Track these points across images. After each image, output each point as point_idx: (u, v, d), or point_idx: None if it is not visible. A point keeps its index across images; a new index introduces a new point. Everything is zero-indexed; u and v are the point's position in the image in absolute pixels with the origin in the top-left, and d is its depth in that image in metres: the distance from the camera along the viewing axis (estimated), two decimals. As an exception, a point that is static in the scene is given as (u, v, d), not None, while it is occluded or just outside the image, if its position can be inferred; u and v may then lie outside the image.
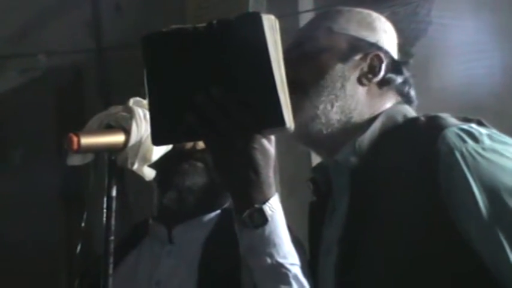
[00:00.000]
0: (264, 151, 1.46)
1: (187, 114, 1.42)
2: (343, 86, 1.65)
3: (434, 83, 3.12)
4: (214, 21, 1.42)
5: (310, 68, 1.66)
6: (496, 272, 1.42)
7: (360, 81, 1.67)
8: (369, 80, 1.67)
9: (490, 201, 1.43)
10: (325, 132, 1.65)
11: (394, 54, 1.74)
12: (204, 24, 1.43)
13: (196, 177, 1.95)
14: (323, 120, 1.64)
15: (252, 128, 1.43)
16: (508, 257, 1.41)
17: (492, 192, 1.43)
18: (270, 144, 1.47)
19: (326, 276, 1.63)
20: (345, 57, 1.67)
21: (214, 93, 1.42)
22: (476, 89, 2.99)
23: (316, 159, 3.49)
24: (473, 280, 1.46)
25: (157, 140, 1.47)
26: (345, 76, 1.66)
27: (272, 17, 1.44)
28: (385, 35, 1.74)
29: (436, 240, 1.46)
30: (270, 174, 1.48)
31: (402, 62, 1.74)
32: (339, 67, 1.66)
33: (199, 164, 1.95)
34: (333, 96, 1.64)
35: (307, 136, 1.67)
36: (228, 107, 1.41)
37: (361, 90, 1.67)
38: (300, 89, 1.62)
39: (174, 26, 1.47)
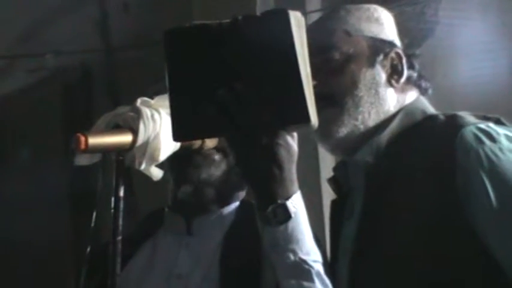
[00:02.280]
0: (288, 147, 1.45)
1: (210, 109, 1.41)
2: (377, 92, 1.65)
3: (442, 83, 3.11)
4: (240, 17, 1.42)
5: (341, 80, 1.65)
6: (509, 271, 1.42)
7: (389, 82, 1.67)
8: (397, 81, 1.68)
9: (505, 202, 1.43)
10: (358, 138, 1.65)
11: (399, 44, 1.74)
12: (228, 20, 1.43)
13: (212, 169, 1.93)
14: (362, 130, 1.64)
15: (276, 124, 1.42)
16: None
17: (507, 193, 1.43)
18: (293, 141, 1.46)
19: (342, 276, 1.63)
20: (370, 62, 1.67)
21: (238, 89, 1.41)
22: (483, 89, 2.99)
23: (323, 162, 3.50)
24: (487, 280, 1.46)
25: (178, 136, 1.46)
26: (376, 81, 1.65)
27: (299, 14, 1.43)
28: (392, 28, 1.74)
29: (450, 241, 1.46)
30: (293, 171, 1.47)
31: (412, 55, 1.73)
32: (369, 73, 1.66)
33: (215, 155, 1.93)
34: (369, 105, 1.64)
35: (346, 148, 1.67)
36: (252, 102, 1.40)
37: (391, 91, 1.67)
38: (335, 103, 1.62)
39: (197, 22, 1.46)
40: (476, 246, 1.44)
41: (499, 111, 1.59)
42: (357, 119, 1.64)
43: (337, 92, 1.64)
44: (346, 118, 1.63)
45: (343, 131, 1.63)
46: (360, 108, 1.64)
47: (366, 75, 1.65)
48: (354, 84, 1.65)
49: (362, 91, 1.64)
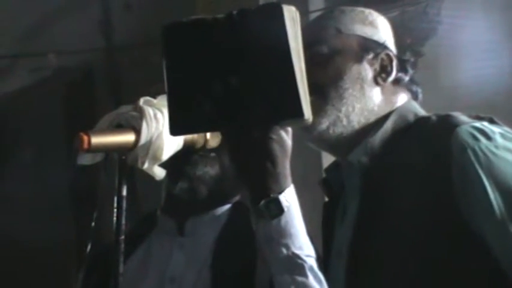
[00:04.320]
0: (282, 142, 1.44)
1: (206, 104, 1.41)
2: (362, 88, 1.67)
3: (444, 82, 3.12)
4: (234, 12, 1.42)
5: (327, 71, 1.66)
6: (510, 270, 1.43)
7: (375, 81, 1.69)
8: (384, 80, 1.69)
9: (504, 199, 1.44)
10: (345, 135, 1.65)
11: (394, 51, 1.76)
12: (223, 15, 1.43)
13: (207, 167, 1.93)
14: (344, 123, 1.65)
15: (270, 118, 1.42)
16: None
17: (505, 190, 1.44)
18: (287, 136, 1.46)
19: (338, 279, 1.63)
20: (358, 58, 1.68)
21: (233, 83, 1.40)
22: (486, 88, 2.99)
23: (326, 161, 3.50)
24: (486, 280, 1.46)
25: (174, 130, 1.46)
26: (362, 77, 1.67)
27: (293, 8, 1.43)
28: (387, 33, 1.76)
29: (448, 241, 1.46)
30: (287, 166, 1.46)
31: (407, 60, 1.75)
32: (355, 68, 1.67)
33: (210, 154, 1.93)
34: (353, 98, 1.65)
35: (328, 140, 1.67)
36: (246, 97, 1.40)
37: (377, 90, 1.69)
38: (319, 93, 1.63)
39: (193, 17, 1.46)
40: (474, 246, 1.45)
41: (501, 110, 1.61)
42: (340, 111, 1.64)
43: (321, 82, 1.65)
44: (329, 108, 1.64)
45: (325, 121, 1.64)
46: (344, 100, 1.65)
47: (351, 69, 1.67)
48: (339, 75, 1.66)
49: (347, 83, 1.66)
